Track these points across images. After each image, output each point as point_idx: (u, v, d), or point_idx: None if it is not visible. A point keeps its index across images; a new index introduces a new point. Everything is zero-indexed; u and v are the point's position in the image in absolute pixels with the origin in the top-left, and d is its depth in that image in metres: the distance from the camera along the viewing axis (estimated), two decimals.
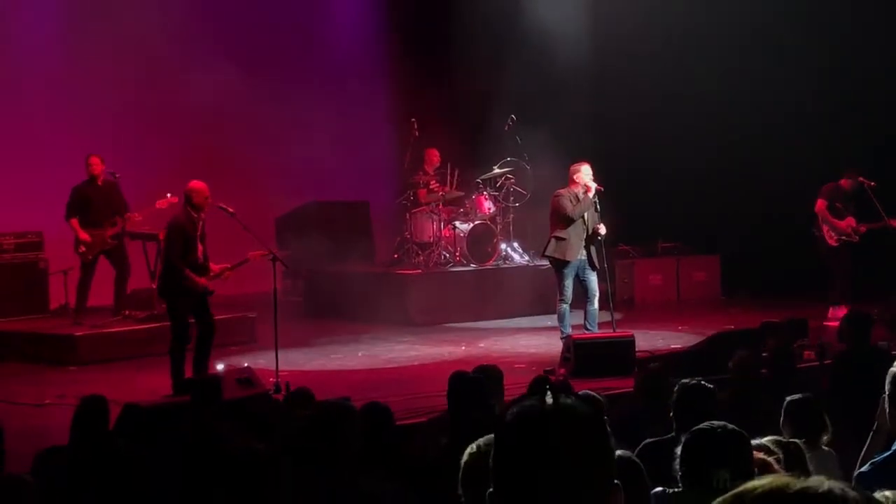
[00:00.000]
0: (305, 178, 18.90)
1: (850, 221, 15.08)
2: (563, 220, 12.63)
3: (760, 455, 4.53)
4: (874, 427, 5.66)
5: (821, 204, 15.19)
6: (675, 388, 6.59)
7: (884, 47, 16.85)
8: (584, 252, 12.73)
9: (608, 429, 2.38)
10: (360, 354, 13.88)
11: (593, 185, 12.63)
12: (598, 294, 12.83)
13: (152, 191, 14.43)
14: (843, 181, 15.19)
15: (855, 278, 15.12)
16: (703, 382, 6.74)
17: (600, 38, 17.75)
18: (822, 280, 15.40)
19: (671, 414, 6.47)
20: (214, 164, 17.35)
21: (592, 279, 12.82)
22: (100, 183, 14.41)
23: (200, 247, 11.33)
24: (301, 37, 19.84)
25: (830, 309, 15.03)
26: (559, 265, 12.80)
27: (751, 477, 4.22)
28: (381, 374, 12.46)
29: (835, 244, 15.19)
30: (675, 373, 8.65)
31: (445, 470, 5.49)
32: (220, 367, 11.24)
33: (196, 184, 11.37)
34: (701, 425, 4.42)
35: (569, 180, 12.81)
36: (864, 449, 5.63)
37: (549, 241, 12.87)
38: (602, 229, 12.68)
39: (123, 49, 17.70)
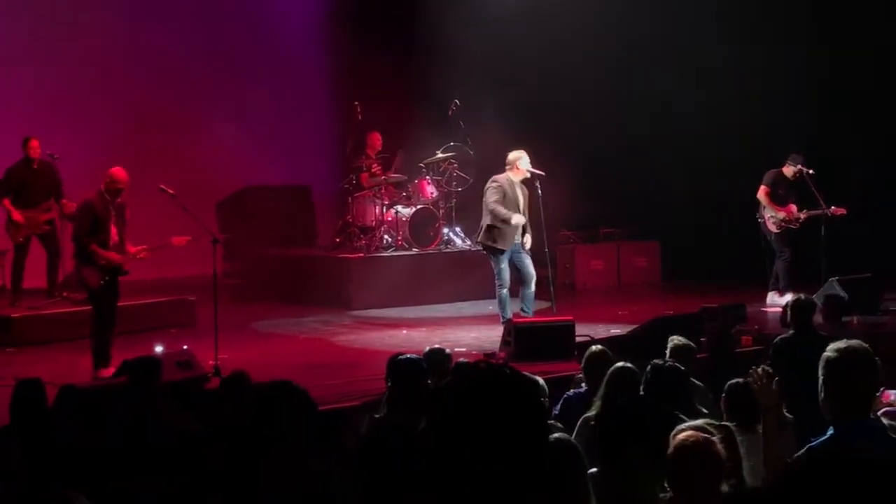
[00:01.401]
0: (248, 162, 18.80)
1: (791, 208, 15.21)
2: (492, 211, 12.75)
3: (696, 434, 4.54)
4: (763, 407, 5.70)
5: (763, 190, 15.30)
6: (647, 369, 6.61)
7: (826, 29, 17.06)
8: (519, 237, 12.80)
9: (544, 404, 2.39)
10: (300, 338, 13.84)
11: (520, 219, 12.69)
12: (534, 277, 12.88)
13: (95, 175, 14.29)
14: (784, 168, 15.31)
15: (796, 265, 15.25)
16: (676, 364, 6.77)
17: (545, 22, 17.78)
18: (761, 266, 15.54)
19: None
20: (158, 148, 17.30)
21: (527, 262, 12.86)
22: (35, 166, 14.32)
23: (114, 229, 11.32)
24: (241, 20, 19.68)
25: (769, 294, 15.18)
26: (493, 252, 12.86)
27: (664, 454, 4.24)
28: (321, 357, 12.42)
29: (776, 230, 15.31)
30: (615, 357, 8.69)
31: (380, 452, 5.49)
32: (158, 349, 11.17)
33: (115, 170, 11.44)
34: (619, 401, 4.42)
35: (507, 167, 12.87)
36: (763, 429, 5.66)
37: (482, 228, 12.91)
38: (528, 243, 12.78)
39: (61, 34, 17.56)
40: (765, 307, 14.75)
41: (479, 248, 13.46)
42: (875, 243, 15.75)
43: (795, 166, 15.14)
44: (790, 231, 15.26)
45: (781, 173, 15.32)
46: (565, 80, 18.06)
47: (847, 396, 4.97)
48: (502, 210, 12.64)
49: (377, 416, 6.89)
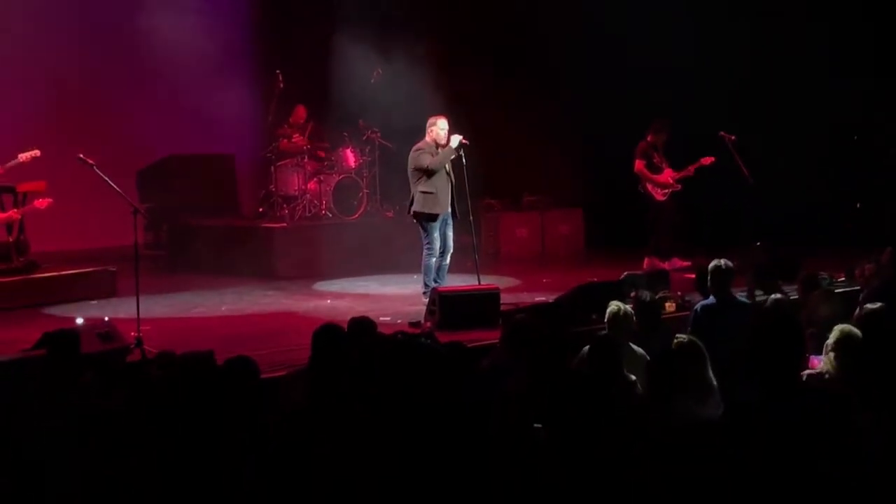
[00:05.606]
0: (169, 131, 18.59)
1: (669, 173, 15.50)
2: (425, 173, 12.66)
3: None
4: None
5: (639, 164, 15.52)
6: None
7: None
8: (450, 205, 12.80)
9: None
10: (223, 308, 13.72)
11: (457, 138, 12.60)
12: (451, 250, 12.92)
13: (13, 145, 14.06)
14: (650, 136, 15.54)
15: (684, 229, 15.48)
16: None
17: None
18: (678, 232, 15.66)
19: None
20: (77, 119, 17.04)
21: (450, 234, 12.89)
22: None
23: None
24: None
25: (646, 260, 15.25)
26: (427, 219, 12.79)
27: None
28: (245, 327, 12.31)
29: (662, 198, 15.54)
30: (540, 324, 8.70)
31: (304, 424, 5.45)
32: (79, 320, 11.02)
33: None
34: None
35: (426, 133, 12.86)
36: None
37: (413, 197, 12.84)
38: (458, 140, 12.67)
39: None
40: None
41: (412, 219, 13.22)
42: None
43: (664, 131, 15.39)
44: (675, 194, 15.50)
45: (649, 142, 15.54)
46: (486, 47, 18.06)
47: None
48: (431, 160, 12.61)
49: None
